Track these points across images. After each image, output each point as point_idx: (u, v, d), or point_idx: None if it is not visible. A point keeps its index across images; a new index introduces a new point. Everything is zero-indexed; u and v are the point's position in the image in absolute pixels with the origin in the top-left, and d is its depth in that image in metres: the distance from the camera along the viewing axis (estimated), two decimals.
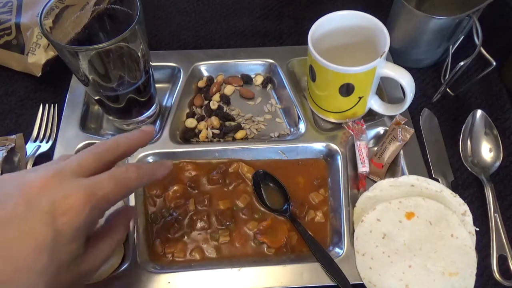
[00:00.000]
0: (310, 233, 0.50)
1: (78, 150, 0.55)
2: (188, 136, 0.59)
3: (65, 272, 0.33)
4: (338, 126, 0.59)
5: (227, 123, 0.60)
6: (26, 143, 0.58)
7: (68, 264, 0.33)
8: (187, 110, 0.62)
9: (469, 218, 0.49)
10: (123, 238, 0.39)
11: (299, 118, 0.59)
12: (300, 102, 0.60)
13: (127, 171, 0.35)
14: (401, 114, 0.56)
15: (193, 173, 0.56)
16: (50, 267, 0.31)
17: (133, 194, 0.52)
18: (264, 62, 0.65)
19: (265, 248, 0.51)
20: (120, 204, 0.49)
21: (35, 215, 0.31)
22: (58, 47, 0.45)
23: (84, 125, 0.58)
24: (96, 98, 0.53)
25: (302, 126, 0.58)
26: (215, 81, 0.64)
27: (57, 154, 0.55)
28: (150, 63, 0.53)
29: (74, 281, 0.34)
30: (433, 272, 0.46)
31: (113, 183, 0.34)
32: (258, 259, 0.50)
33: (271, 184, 0.54)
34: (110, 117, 0.58)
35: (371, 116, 0.59)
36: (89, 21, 0.51)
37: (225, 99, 0.62)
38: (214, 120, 0.60)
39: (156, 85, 0.60)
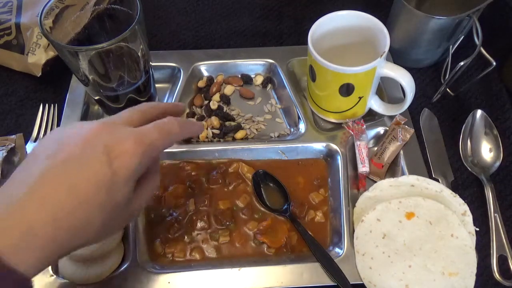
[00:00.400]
0: (310, 233, 0.50)
1: None
2: None
3: (119, 212, 0.35)
4: (338, 126, 0.59)
5: (227, 123, 0.60)
6: (26, 143, 0.58)
7: (122, 205, 0.35)
8: (187, 110, 0.62)
9: (469, 218, 0.49)
10: (158, 184, 0.41)
11: (299, 118, 0.59)
12: (300, 102, 0.60)
13: (169, 123, 0.38)
14: (401, 114, 0.56)
15: (193, 173, 0.56)
16: (107, 205, 0.33)
17: None
18: (264, 62, 0.65)
19: (265, 248, 0.51)
20: None
21: (93, 155, 0.33)
22: (58, 47, 0.45)
23: None
24: (96, 98, 0.53)
25: (302, 126, 0.58)
26: (215, 81, 0.65)
27: None
28: (150, 63, 0.53)
29: (123, 222, 0.38)
30: (433, 272, 0.46)
31: (158, 131, 0.37)
32: (258, 259, 0.50)
33: (271, 184, 0.54)
34: None
35: (371, 116, 0.59)
36: (89, 21, 0.51)
37: (225, 99, 0.62)
38: (214, 120, 0.60)
39: (156, 85, 0.60)
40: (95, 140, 0.34)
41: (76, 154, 0.33)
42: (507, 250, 0.49)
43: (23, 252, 0.30)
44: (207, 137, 0.59)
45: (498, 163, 0.55)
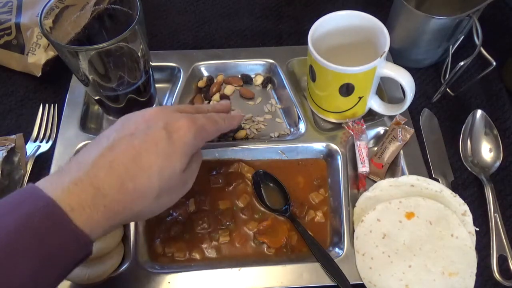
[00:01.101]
0: (310, 233, 0.50)
1: (78, 150, 0.55)
2: None
3: (175, 181, 0.39)
4: (338, 126, 0.59)
5: None
6: (26, 143, 0.58)
7: (178, 173, 0.39)
8: None
9: (469, 218, 0.49)
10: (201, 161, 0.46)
11: (299, 118, 0.59)
12: (300, 102, 0.60)
13: (215, 114, 0.46)
14: (401, 114, 0.56)
15: None
16: (165, 171, 0.38)
17: None
18: (264, 62, 0.65)
19: (265, 248, 0.51)
20: None
21: (154, 130, 0.38)
22: (58, 47, 0.45)
23: (84, 125, 0.58)
24: (96, 98, 0.53)
25: (302, 126, 0.58)
26: (215, 81, 0.64)
27: (57, 154, 0.55)
28: (150, 63, 0.53)
29: (179, 188, 0.42)
30: (433, 272, 0.46)
31: (206, 118, 0.43)
32: (258, 259, 0.50)
33: (271, 184, 0.54)
34: (110, 117, 0.58)
35: (371, 116, 0.59)
36: (89, 21, 0.51)
37: (225, 99, 0.62)
38: None
39: (156, 85, 0.60)
40: (156, 119, 0.39)
41: (140, 128, 0.38)
42: (507, 250, 0.49)
43: (91, 212, 0.34)
44: None
45: (498, 163, 0.55)
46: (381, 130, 0.58)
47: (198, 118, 0.42)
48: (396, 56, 0.63)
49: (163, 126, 0.39)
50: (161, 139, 0.38)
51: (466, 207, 0.49)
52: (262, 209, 0.53)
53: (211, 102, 0.61)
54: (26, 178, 0.55)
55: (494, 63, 0.54)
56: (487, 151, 0.57)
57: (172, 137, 0.39)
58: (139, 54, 0.49)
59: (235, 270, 0.48)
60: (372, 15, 0.53)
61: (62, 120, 0.58)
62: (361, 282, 0.47)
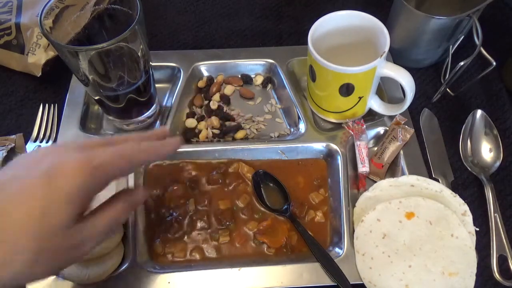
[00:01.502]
0: (310, 233, 0.50)
1: None
2: (188, 136, 0.59)
3: (58, 238, 0.32)
4: (338, 126, 0.59)
5: (227, 123, 0.60)
6: (26, 143, 0.58)
7: (60, 230, 0.32)
8: (187, 110, 0.62)
9: (469, 218, 0.49)
10: (119, 217, 0.38)
11: (299, 118, 0.59)
12: (300, 102, 0.60)
13: (126, 146, 0.37)
14: (401, 114, 0.56)
15: (193, 173, 0.56)
16: (41, 231, 0.31)
17: None
18: (264, 62, 0.65)
19: (265, 248, 0.51)
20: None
21: (34, 175, 0.32)
22: (58, 47, 0.45)
23: (84, 125, 0.58)
24: (96, 98, 0.53)
25: (302, 126, 0.58)
26: (215, 81, 0.64)
27: None
28: (150, 63, 0.53)
29: (67, 250, 0.34)
30: (433, 272, 0.46)
31: (110, 154, 0.35)
32: (258, 259, 0.50)
33: (271, 184, 0.54)
34: (110, 117, 0.58)
35: (371, 116, 0.59)
36: (89, 21, 0.51)
37: (225, 99, 0.62)
38: (214, 120, 0.60)
39: (156, 85, 0.60)
40: (41, 162, 0.33)
41: (17, 175, 0.32)
42: (507, 250, 0.49)
43: None
44: (207, 137, 0.59)
45: (498, 163, 0.55)
46: (381, 130, 0.58)
47: (96, 156, 0.34)
48: (396, 56, 0.63)
49: (45, 171, 0.32)
50: (38, 187, 0.31)
51: (466, 207, 0.49)
52: (262, 209, 0.53)
53: (211, 102, 0.61)
54: None
55: (494, 63, 0.54)
56: (487, 151, 0.57)
57: (53, 184, 0.32)
58: (139, 54, 0.49)
59: (235, 270, 0.48)
60: (372, 15, 0.53)
61: (62, 120, 0.58)
62: (361, 282, 0.47)
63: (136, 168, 0.54)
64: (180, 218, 0.52)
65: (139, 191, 0.41)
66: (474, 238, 0.48)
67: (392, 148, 0.56)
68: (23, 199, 0.31)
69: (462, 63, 0.56)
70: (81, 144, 0.36)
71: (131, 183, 0.53)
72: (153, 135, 0.41)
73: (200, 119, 0.61)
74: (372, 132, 0.58)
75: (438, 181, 0.53)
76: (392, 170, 0.56)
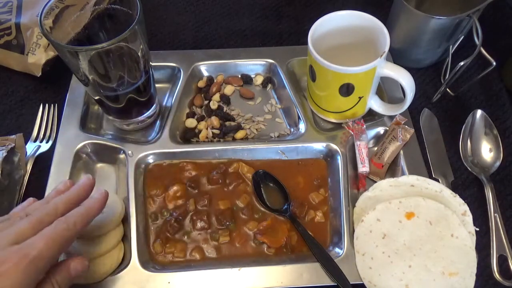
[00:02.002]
0: (310, 233, 0.50)
1: (78, 151, 0.55)
2: (188, 136, 0.59)
3: None
4: (338, 126, 0.59)
5: (227, 123, 0.60)
6: (26, 143, 0.58)
7: None
8: (187, 110, 0.62)
9: (469, 218, 0.49)
10: None
11: (299, 118, 0.59)
12: (300, 102, 0.60)
13: (55, 227, 0.37)
14: (401, 114, 0.56)
15: (193, 173, 0.56)
16: None
17: (133, 194, 0.52)
18: (264, 62, 0.65)
19: (265, 248, 0.51)
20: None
21: None
22: (58, 47, 0.45)
23: (84, 125, 0.58)
24: (96, 98, 0.53)
25: (302, 126, 0.58)
26: (215, 81, 0.64)
27: (57, 154, 0.55)
28: (150, 63, 0.53)
29: None
30: (433, 272, 0.46)
31: (44, 241, 0.36)
32: (258, 259, 0.50)
33: (271, 184, 0.54)
34: (110, 117, 0.58)
35: (371, 116, 0.59)
36: (89, 21, 0.51)
37: (225, 99, 0.62)
38: (214, 120, 0.60)
39: (156, 85, 0.60)
40: None
41: None
42: (507, 250, 0.49)
43: None
44: (207, 137, 0.59)
45: (498, 163, 0.55)
46: (381, 130, 0.58)
47: (32, 248, 0.35)
48: (396, 56, 0.63)
49: None
50: None
51: (466, 207, 0.49)
52: (262, 209, 0.53)
53: (211, 102, 0.61)
54: (26, 178, 0.55)
55: (494, 63, 0.54)
56: (487, 151, 0.57)
57: None
58: (139, 54, 0.49)
59: (235, 270, 0.48)
60: (372, 15, 0.53)
61: (62, 120, 0.58)
62: (361, 282, 0.47)
63: (136, 171, 0.54)
64: (180, 218, 0.52)
65: (72, 261, 0.40)
66: (474, 238, 0.48)
67: (392, 148, 0.56)
68: None
69: (462, 63, 0.56)
70: (15, 236, 0.36)
71: (131, 183, 0.53)
72: (82, 191, 0.42)
73: (200, 119, 0.61)
74: (372, 132, 0.58)
75: (438, 181, 0.53)
76: (392, 170, 0.56)
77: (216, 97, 0.62)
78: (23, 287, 0.34)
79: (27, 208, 0.40)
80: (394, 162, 0.56)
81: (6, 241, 0.36)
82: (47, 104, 0.62)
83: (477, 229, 0.49)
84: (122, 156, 0.56)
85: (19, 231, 0.36)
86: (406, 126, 0.56)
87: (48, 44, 0.61)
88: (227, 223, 0.52)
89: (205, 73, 0.65)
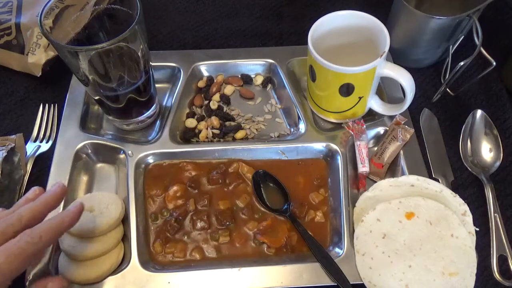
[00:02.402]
0: (310, 233, 0.50)
1: (78, 151, 0.55)
2: (188, 136, 0.59)
3: None
4: (338, 126, 0.59)
5: (227, 123, 0.60)
6: (26, 143, 0.58)
7: None
8: (187, 110, 0.62)
9: (469, 218, 0.49)
10: None
11: (299, 118, 0.59)
12: (300, 102, 0.60)
13: (19, 241, 0.36)
14: (401, 114, 0.56)
15: (193, 173, 0.56)
16: None
17: (133, 194, 0.52)
18: (264, 62, 0.65)
19: (265, 248, 0.51)
20: None
21: None
22: (58, 47, 0.45)
23: (84, 125, 0.58)
24: (96, 98, 0.53)
25: (302, 126, 0.58)
26: (215, 81, 0.64)
27: (57, 154, 0.55)
28: (150, 63, 0.53)
29: None
30: (433, 272, 0.46)
31: (6, 255, 0.34)
32: (258, 259, 0.50)
33: (271, 184, 0.54)
34: (110, 117, 0.58)
35: (371, 116, 0.59)
36: (89, 21, 0.51)
37: (225, 99, 0.62)
38: (214, 120, 0.60)
39: (156, 85, 0.60)
40: None
41: None
42: (507, 250, 0.49)
43: None
44: (207, 137, 0.59)
45: (498, 163, 0.55)
46: (381, 130, 0.58)
47: None
48: (396, 56, 0.63)
49: None
50: None
51: (466, 207, 0.49)
52: (262, 209, 0.53)
53: (211, 102, 0.61)
54: (26, 178, 0.55)
55: (494, 63, 0.54)
56: (487, 151, 0.57)
57: None
58: (139, 54, 0.49)
59: (235, 270, 0.48)
60: (372, 15, 0.53)
61: (62, 120, 0.58)
62: (361, 282, 0.47)
63: (136, 171, 0.54)
64: (180, 218, 0.52)
65: (50, 280, 0.40)
66: (474, 238, 0.48)
67: (392, 148, 0.56)
68: None
69: (462, 63, 0.56)
70: None
71: (131, 183, 0.53)
72: (51, 201, 0.40)
73: (200, 119, 0.61)
74: (372, 132, 0.58)
75: (438, 181, 0.53)
76: (392, 170, 0.56)
77: (216, 97, 0.62)
78: None
79: None
80: (394, 162, 0.56)
81: None
82: (47, 104, 0.62)
83: (477, 229, 0.49)
84: (122, 156, 0.56)
85: None
86: (406, 126, 0.56)
87: (48, 44, 0.61)
88: (227, 223, 0.52)
89: (205, 73, 0.65)
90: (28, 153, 0.57)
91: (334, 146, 0.56)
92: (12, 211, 0.40)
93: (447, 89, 0.62)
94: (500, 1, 0.71)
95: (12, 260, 0.35)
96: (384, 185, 0.51)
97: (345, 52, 0.56)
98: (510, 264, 0.48)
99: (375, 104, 0.57)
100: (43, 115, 0.61)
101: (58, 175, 0.53)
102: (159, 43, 0.69)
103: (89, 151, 0.56)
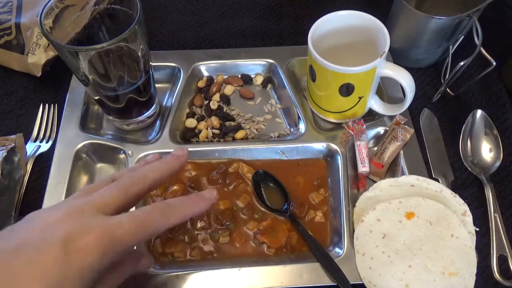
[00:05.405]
0: (310, 233, 0.50)
1: (78, 151, 0.55)
2: (188, 136, 0.59)
3: None
4: (338, 126, 0.59)
5: (227, 123, 0.60)
6: (26, 143, 0.58)
7: None
8: (187, 110, 0.62)
9: (469, 218, 0.49)
10: (120, 281, 0.36)
11: (299, 118, 0.59)
12: (300, 102, 0.60)
13: (151, 212, 0.33)
14: (401, 114, 0.56)
15: (193, 173, 0.56)
16: None
17: None
18: (264, 62, 0.65)
19: (265, 248, 0.51)
20: None
21: (49, 245, 0.29)
22: (58, 47, 0.45)
23: (84, 125, 0.58)
24: (96, 98, 0.53)
25: (302, 126, 0.58)
26: (215, 81, 0.65)
27: (57, 154, 0.55)
28: (150, 63, 0.53)
29: None
30: (433, 272, 0.46)
31: (132, 224, 0.32)
32: (258, 259, 0.50)
33: (271, 184, 0.54)
34: (110, 117, 0.58)
35: (371, 116, 0.59)
36: (89, 21, 0.51)
37: (225, 99, 0.62)
38: (214, 120, 0.60)
39: (156, 85, 0.60)
40: (57, 227, 0.30)
41: (32, 240, 0.29)
42: (507, 250, 0.49)
43: None
44: (207, 137, 0.59)
45: (498, 163, 0.55)
46: (381, 130, 0.58)
47: (117, 228, 0.31)
48: (396, 56, 0.63)
49: (62, 241, 0.29)
50: (53, 261, 0.28)
51: (466, 207, 0.49)
52: (262, 209, 0.53)
53: (211, 102, 0.61)
54: (26, 178, 0.55)
55: (494, 63, 0.54)
56: (487, 151, 0.57)
57: (69, 258, 0.29)
58: (139, 54, 0.49)
59: (235, 270, 0.48)
60: (372, 15, 0.53)
61: (62, 120, 0.58)
62: (361, 282, 0.47)
63: None
64: None
65: (143, 257, 0.39)
66: (474, 238, 0.48)
67: (392, 148, 0.56)
68: (38, 269, 0.28)
69: (462, 63, 0.56)
70: (98, 204, 0.32)
71: None
72: (173, 165, 0.38)
73: (200, 119, 0.61)
74: (372, 132, 0.58)
75: (438, 181, 0.53)
76: (392, 170, 0.56)
77: (216, 97, 0.62)
78: (100, 266, 0.30)
79: (114, 174, 0.36)
80: (394, 162, 0.56)
81: (91, 208, 0.32)
82: (47, 104, 0.62)
83: (477, 229, 0.49)
84: (122, 156, 0.56)
85: (105, 198, 0.33)
86: (406, 126, 0.56)
87: (48, 44, 0.61)
88: (227, 223, 0.52)
89: (205, 73, 0.65)
90: (28, 153, 0.57)
91: (334, 146, 0.56)
92: (132, 170, 0.37)
93: (447, 89, 0.62)
94: (500, 1, 0.71)
95: (138, 233, 0.32)
96: (384, 185, 0.51)
97: (345, 52, 0.56)
98: (510, 264, 0.48)
99: (375, 104, 0.57)
100: (43, 115, 0.61)
101: (58, 175, 0.53)
102: (159, 43, 0.69)
103: (89, 151, 0.56)
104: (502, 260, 0.49)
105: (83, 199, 0.33)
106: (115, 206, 0.33)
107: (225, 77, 0.65)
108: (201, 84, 0.64)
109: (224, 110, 0.61)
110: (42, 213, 0.32)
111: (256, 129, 0.60)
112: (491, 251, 0.49)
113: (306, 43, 0.51)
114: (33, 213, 0.32)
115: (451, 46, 0.60)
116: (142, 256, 0.38)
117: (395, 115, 0.57)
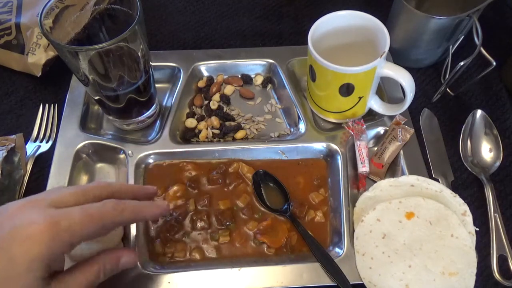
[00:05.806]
0: (310, 233, 0.50)
1: (78, 151, 0.55)
2: (188, 136, 0.59)
3: None
4: (338, 126, 0.59)
5: (227, 123, 0.60)
6: (26, 143, 0.58)
7: None
8: (187, 110, 0.62)
9: (469, 218, 0.49)
10: (94, 280, 0.36)
11: (299, 118, 0.59)
12: (300, 102, 0.60)
13: (103, 205, 0.34)
14: (401, 114, 0.56)
15: (193, 173, 0.56)
16: None
17: None
18: (264, 62, 0.65)
19: (265, 248, 0.51)
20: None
21: None
22: (58, 47, 0.45)
23: (84, 125, 0.58)
24: (96, 98, 0.53)
25: (302, 126, 0.58)
26: (215, 81, 0.65)
27: (57, 154, 0.55)
28: (150, 63, 0.53)
29: None
30: (433, 272, 0.46)
31: (83, 214, 0.33)
32: (258, 259, 0.50)
33: (271, 184, 0.54)
34: (110, 117, 0.58)
35: (371, 116, 0.59)
36: (89, 21, 0.51)
37: (225, 99, 0.62)
38: (214, 120, 0.60)
39: (156, 85, 0.60)
40: (6, 221, 0.31)
41: None
42: (507, 250, 0.49)
43: None
44: (207, 137, 0.59)
45: (498, 163, 0.55)
46: (381, 130, 0.58)
47: (66, 217, 0.32)
48: (396, 56, 0.63)
49: (7, 236, 0.30)
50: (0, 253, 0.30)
51: (466, 207, 0.49)
52: (262, 209, 0.53)
53: (211, 102, 0.61)
54: (26, 178, 0.55)
55: (494, 63, 0.54)
56: (487, 151, 0.57)
57: (14, 250, 0.30)
58: (139, 54, 0.49)
59: (235, 270, 0.48)
60: (372, 15, 0.53)
61: (62, 120, 0.58)
62: (361, 282, 0.47)
63: (136, 171, 0.54)
64: (180, 218, 0.52)
65: (124, 254, 0.39)
66: (474, 238, 0.48)
67: (392, 148, 0.56)
68: None
69: (462, 63, 0.56)
70: (55, 198, 0.33)
71: (131, 183, 0.53)
72: (142, 191, 0.40)
73: (200, 119, 0.61)
74: (372, 132, 0.58)
75: (438, 181, 0.53)
76: (392, 170, 0.56)
77: (216, 97, 0.62)
78: (48, 255, 0.31)
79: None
80: (394, 162, 0.56)
81: (44, 202, 0.33)
82: (47, 104, 0.62)
83: (477, 229, 0.49)
84: (122, 156, 0.56)
85: (59, 196, 0.34)
86: (406, 126, 0.56)
87: (48, 44, 0.61)
88: (227, 223, 0.52)
89: (205, 73, 0.65)
90: (28, 153, 0.57)
91: (334, 146, 0.56)
92: (119, 192, 0.38)
93: (447, 89, 0.62)
94: (500, 1, 0.71)
95: (86, 222, 0.33)
96: (384, 185, 0.51)
97: (345, 52, 0.56)
98: (510, 264, 0.48)
99: (375, 104, 0.57)
100: (43, 115, 0.61)
101: (58, 175, 0.53)
102: (159, 43, 0.69)
103: (89, 151, 0.56)
104: (502, 260, 0.49)
105: (43, 194, 0.35)
106: (70, 201, 0.34)
107: (225, 77, 0.65)
108: (201, 84, 0.64)
109: (224, 110, 0.61)
110: (3, 208, 0.33)
111: (256, 129, 0.60)
112: (491, 251, 0.49)
113: (306, 43, 0.51)
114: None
115: (451, 46, 0.60)
116: (124, 254, 0.38)
117: (395, 115, 0.57)
